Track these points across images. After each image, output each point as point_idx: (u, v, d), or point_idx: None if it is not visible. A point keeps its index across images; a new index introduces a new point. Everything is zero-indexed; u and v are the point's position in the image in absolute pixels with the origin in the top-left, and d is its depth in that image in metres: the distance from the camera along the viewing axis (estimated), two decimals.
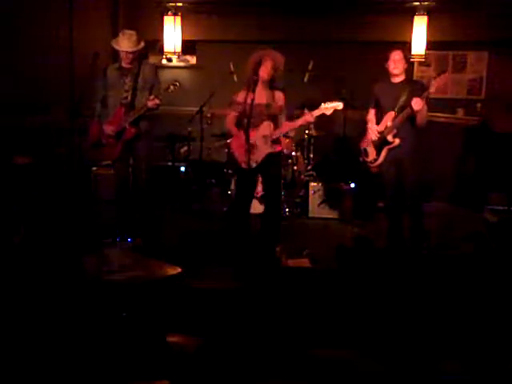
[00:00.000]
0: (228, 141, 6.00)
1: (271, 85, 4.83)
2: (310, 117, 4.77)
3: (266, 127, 4.77)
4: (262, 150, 4.76)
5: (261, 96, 4.74)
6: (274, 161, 4.86)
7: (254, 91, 4.64)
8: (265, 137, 4.76)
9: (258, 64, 4.71)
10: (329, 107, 4.70)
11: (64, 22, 6.93)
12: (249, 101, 4.66)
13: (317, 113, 4.74)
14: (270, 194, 4.95)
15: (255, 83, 4.71)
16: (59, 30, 6.92)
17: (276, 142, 4.85)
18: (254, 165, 4.77)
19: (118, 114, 5.03)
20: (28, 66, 6.71)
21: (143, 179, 5.18)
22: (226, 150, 6.50)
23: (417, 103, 4.65)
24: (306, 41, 7.22)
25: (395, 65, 4.82)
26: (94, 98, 5.14)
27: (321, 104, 4.74)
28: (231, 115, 4.92)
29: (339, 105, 4.71)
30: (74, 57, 6.88)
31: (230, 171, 6.47)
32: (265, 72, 4.72)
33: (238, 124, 4.91)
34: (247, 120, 4.65)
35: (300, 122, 4.85)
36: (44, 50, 6.82)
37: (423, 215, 5.04)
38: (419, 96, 4.67)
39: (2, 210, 5.25)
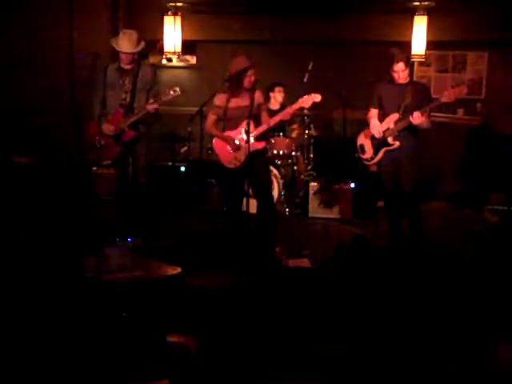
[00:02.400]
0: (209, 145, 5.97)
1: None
2: (289, 109, 4.80)
3: (247, 126, 4.77)
4: (246, 148, 4.76)
5: (242, 98, 4.85)
6: (259, 158, 4.88)
7: (236, 95, 4.81)
8: (247, 135, 4.75)
9: (244, 72, 4.76)
10: (307, 100, 4.72)
11: (64, 22, 6.93)
12: (230, 104, 4.84)
13: (296, 106, 4.79)
14: (258, 190, 4.96)
15: (238, 88, 4.81)
16: (59, 30, 6.92)
17: (259, 138, 4.89)
18: (237, 164, 4.86)
19: (117, 116, 5.01)
20: (28, 66, 6.73)
21: (143, 179, 5.18)
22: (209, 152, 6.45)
23: (416, 118, 4.66)
24: (306, 41, 7.22)
25: (399, 76, 4.83)
26: (94, 98, 5.14)
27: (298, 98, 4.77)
28: (211, 118, 5.00)
29: (317, 97, 4.70)
30: (74, 57, 6.89)
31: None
32: (249, 83, 4.81)
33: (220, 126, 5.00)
34: (230, 122, 4.85)
35: (280, 116, 4.87)
36: (44, 50, 6.84)
37: (421, 215, 5.03)
38: (422, 98, 4.71)
39: (2, 210, 5.25)
